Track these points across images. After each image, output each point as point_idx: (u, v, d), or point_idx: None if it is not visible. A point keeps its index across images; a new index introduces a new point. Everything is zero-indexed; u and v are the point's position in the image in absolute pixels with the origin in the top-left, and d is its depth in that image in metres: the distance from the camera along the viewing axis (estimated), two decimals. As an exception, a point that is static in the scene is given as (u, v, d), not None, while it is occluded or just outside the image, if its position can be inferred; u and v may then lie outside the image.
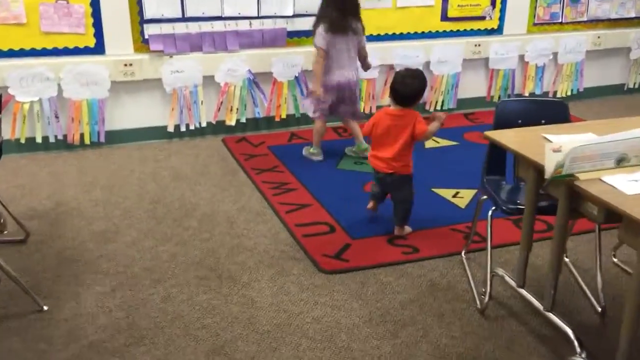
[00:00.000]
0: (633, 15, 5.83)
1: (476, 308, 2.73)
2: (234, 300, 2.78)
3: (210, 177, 4.08)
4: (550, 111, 2.84)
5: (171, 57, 4.51)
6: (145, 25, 4.42)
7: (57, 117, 4.39)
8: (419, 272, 3.02)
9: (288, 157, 4.37)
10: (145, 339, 2.53)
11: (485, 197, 2.86)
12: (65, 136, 4.45)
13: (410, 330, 2.59)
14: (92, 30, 4.33)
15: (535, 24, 5.54)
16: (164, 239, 3.29)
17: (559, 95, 5.79)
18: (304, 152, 4.40)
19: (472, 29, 5.34)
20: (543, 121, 2.80)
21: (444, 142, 4.69)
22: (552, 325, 2.51)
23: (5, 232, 2.92)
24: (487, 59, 5.45)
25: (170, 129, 4.68)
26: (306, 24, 4.77)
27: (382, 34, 5.04)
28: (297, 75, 4.85)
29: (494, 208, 2.72)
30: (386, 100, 4.50)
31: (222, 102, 4.74)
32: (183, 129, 4.70)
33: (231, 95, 4.73)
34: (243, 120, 4.83)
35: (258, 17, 4.66)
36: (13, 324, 2.59)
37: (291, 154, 4.43)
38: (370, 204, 3.48)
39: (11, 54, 4.21)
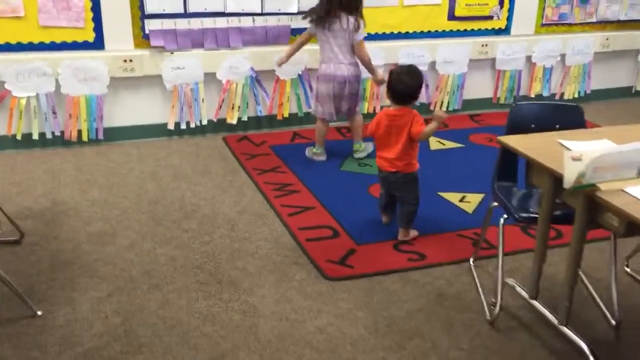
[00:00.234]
0: (643, 17, 5.73)
1: (485, 319, 2.64)
2: (235, 307, 2.69)
3: (210, 177, 3.98)
4: (566, 116, 2.74)
5: (172, 53, 4.41)
6: (146, 21, 4.31)
7: (54, 113, 4.28)
8: (426, 279, 2.92)
9: (290, 158, 4.27)
10: (142, 347, 2.43)
11: (496, 203, 2.76)
12: (62, 133, 4.35)
13: (417, 342, 2.50)
14: (91, 25, 4.22)
15: (543, 25, 5.44)
16: (162, 241, 3.19)
17: (566, 97, 5.70)
18: (307, 152, 4.30)
19: (479, 29, 5.24)
20: (557, 126, 2.71)
21: (450, 144, 4.60)
22: (566, 338, 2.41)
23: (-1, 232, 2.83)
24: (493, 60, 5.35)
25: (171, 126, 4.57)
26: (310, 21, 4.67)
27: (387, 32, 4.94)
28: (300, 73, 4.75)
29: (505, 216, 2.62)
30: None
31: (223, 100, 4.63)
32: (183, 126, 4.60)
33: (233, 93, 4.62)
34: (245, 118, 4.73)
35: (261, 14, 4.55)
36: (5, 330, 2.49)
37: (293, 154, 4.33)
38: (384, 219, 3.39)
39: (8, 47, 4.10)
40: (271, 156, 4.32)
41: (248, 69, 4.60)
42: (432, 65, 5.14)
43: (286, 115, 4.82)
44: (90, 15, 4.19)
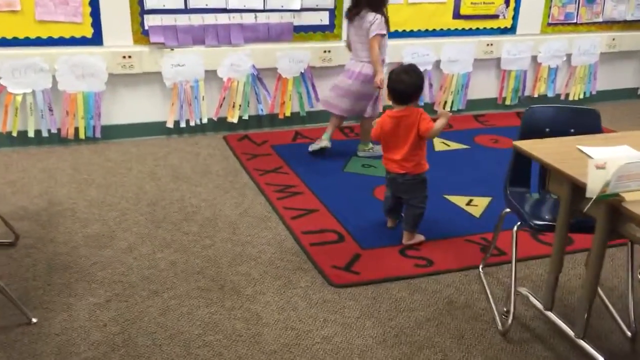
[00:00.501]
0: (649, 17, 5.65)
1: (497, 329, 2.55)
2: (238, 315, 2.59)
3: (211, 177, 3.88)
4: (581, 120, 2.65)
5: (172, 50, 4.31)
6: (145, 16, 4.21)
7: (51, 110, 4.18)
8: (434, 287, 2.83)
9: (293, 158, 4.17)
10: (141, 357, 2.33)
11: (508, 210, 2.67)
12: (59, 130, 4.25)
13: (427, 353, 2.41)
14: (89, 20, 4.11)
15: (549, 24, 5.36)
16: (162, 244, 3.10)
17: (571, 98, 5.62)
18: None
19: (484, 28, 5.15)
20: (572, 130, 2.62)
21: (455, 146, 4.51)
22: (582, 352, 2.33)
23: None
24: (498, 59, 5.26)
25: (170, 124, 4.47)
26: (314, 18, 4.58)
27: (391, 30, 4.81)
28: (302, 71, 4.65)
29: (519, 223, 2.53)
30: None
31: (224, 98, 4.53)
32: (183, 125, 4.50)
33: (234, 91, 4.52)
34: (245, 117, 4.63)
35: (264, 11, 4.46)
36: (-1, 337, 2.40)
37: (296, 154, 4.23)
38: (389, 222, 3.30)
39: (4, 43, 3.99)
40: (273, 156, 4.22)
41: (249, 67, 4.50)
42: (437, 64, 5.05)
43: (288, 114, 4.73)
44: (89, 10, 4.09)
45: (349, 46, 4.10)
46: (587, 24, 5.48)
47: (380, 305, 2.68)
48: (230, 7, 4.36)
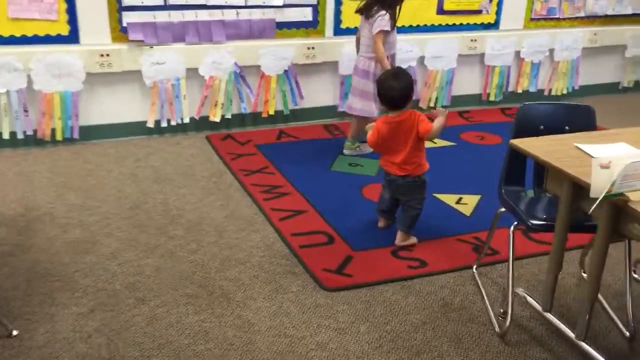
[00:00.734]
0: (630, 12, 5.65)
1: (495, 332, 2.50)
2: (229, 322, 2.50)
3: (195, 178, 3.78)
4: (576, 117, 2.61)
5: (152, 47, 4.18)
6: (123, 13, 4.08)
7: (26, 111, 4.03)
8: (429, 289, 2.77)
9: (277, 157, 4.08)
10: (130, 369, 2.24)
11: (503, 209, 2.62)
12: (35, 132, 4.10)
13: (425, 359, 2.35)
14: (65, 17, 3.97)
15: (532, 19, 5.34)
16: (147, 250, 2.99)
17: (554, 93, 5.61)
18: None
19: (468, 23, 5.11)
20: (567, 127, 2.58)
21: (441, 143, 4.46)
22: (581, 352, 2.29)
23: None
24: (482, 55, 5.23)
25: (150, 124, 4.35)
26: (297, 14, 4.49)
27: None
28: (286, 69, 4.56)
29: (516, 223, 2.48)
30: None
31: (206, 97, 4.43)
32: (164, 124, 4.38)
33: (216, 89, 4.42)
34: (228, 116, 4.52)
35: (246, 7, 4.35)
36: (-23, 352, 2.28)
37: (281, 154, 4.15)
38: (381, 223, 3.23)
39: (-25, 41, 3.84)
40: (257, 156, 4.13)
41: (232, 65, 4.40)
42: (421, 60, 5.00)
43: (271, 112, 4.63)
44: (64, 6, 3.95)
45: (357, 41, 4.07)
46: (569, 19, 5.47)
47: (375, 309, 2.62)
48: (210, 3, 4.25)
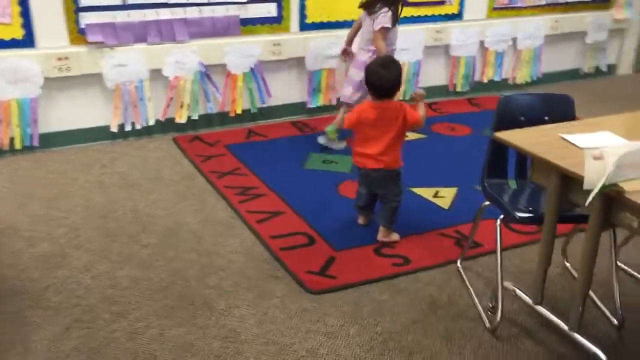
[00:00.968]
0: (589, -2, 5.73)
1: (485, 327, 2.47)
2: (213, 333, 2.41)
3: (164, 183, 3.66)
4: (555, 107, 2.60)
5: (112, 49, 4.03)
6: (81, 14, 3.91)
7: (-19, 119, 3.84)
8: (415, 286, 2.73)
9: (248, 157, 3.98)
10: (113, 389, 2.13)
11: (488, 202, 2.59)
12: (-8, 141, 3.91)
13: (418, 359, 2.30)
14: (19, 20, 3.78)
15: (494, 9, 5.35)
16: (120, 260, 2.87)
17: (518, 82, 5.65)
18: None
19: (432, 15, 5.08)
20: (546, 117, 2.56)
21: (412, 136, 4.41)
22: (573, 343, 2.28)
23: None
24: (447, 46, 5.22)
25: (114, 129, 4.20)
26: (261, 10, 4.39)
27: (341, 20, 4.69)
28: (252, 66, 4.45)
29: (502, 216, 2.45)
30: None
31: (171, 98, 4.29)
32: (128, 128, 4.23)
33: (181, 90, 4.29)
34: (195, 117, 4.40)
35: (208, 4, 4.23)
36: (-53, 381, 2.14)
37: (251, 154, 4.05)
38: (361, 220, 3.18)
39: None
40: (228, 156, 4.02)
41: (196, 64, 4.27)
42: (387, 53, 4.95)
43: (239, 111, 4.53)
44: (18, 9, 3.76)
45: (353, 32, 4.14)
46: (530, 7, 5.50)
47: (363, 310, 2.56)
48: (172, 1, 4.12)
